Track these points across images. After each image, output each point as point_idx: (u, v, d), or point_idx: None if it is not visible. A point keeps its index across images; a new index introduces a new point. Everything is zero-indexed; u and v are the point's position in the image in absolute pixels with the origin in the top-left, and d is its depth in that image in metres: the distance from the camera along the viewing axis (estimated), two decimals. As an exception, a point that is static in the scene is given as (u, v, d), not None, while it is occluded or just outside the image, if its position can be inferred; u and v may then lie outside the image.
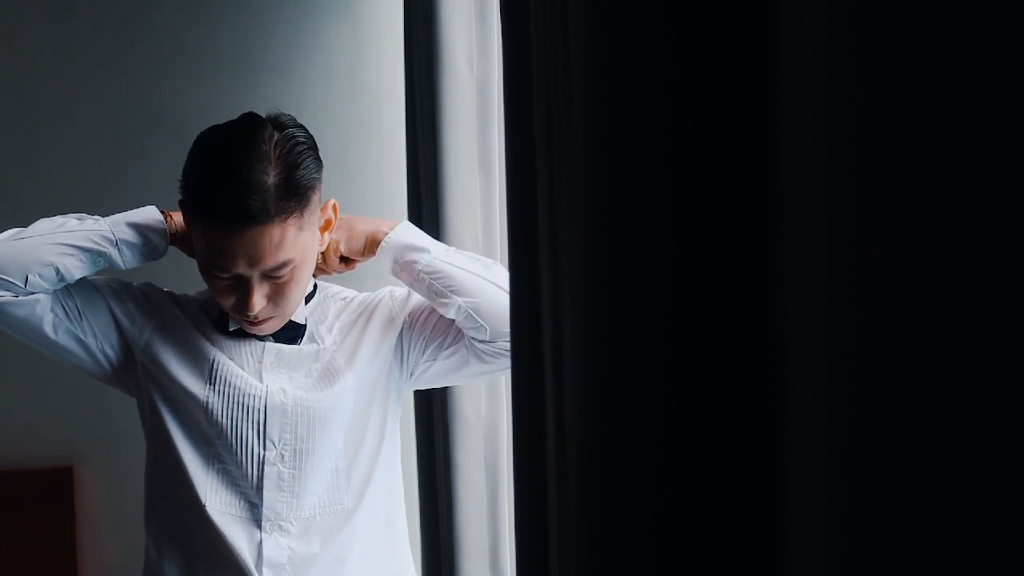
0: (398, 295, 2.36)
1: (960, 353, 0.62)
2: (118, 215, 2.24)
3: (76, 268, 2.18)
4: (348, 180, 3.70)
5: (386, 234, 2.28)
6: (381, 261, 2.30)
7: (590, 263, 0.87)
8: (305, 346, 2.28)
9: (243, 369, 2.25)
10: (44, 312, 2.20)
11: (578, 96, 0.88)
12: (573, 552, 1.03)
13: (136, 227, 2.22)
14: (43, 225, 2.20)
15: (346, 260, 2.33)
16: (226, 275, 2.12)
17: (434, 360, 2.32)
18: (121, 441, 3.49)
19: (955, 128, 0.60)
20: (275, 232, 2.07)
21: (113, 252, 2.19)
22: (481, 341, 2.23)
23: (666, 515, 0.91)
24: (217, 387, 2.22)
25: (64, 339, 2.24)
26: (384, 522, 2.33)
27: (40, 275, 2.15)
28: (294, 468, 2.22)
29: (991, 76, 0.58)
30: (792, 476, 0.75)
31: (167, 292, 2.35)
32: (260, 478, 2.20)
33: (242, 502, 2.21)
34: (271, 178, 2.06)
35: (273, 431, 2.21)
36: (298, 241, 2.12)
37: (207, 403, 2.21)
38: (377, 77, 3.73)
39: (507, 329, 2.17)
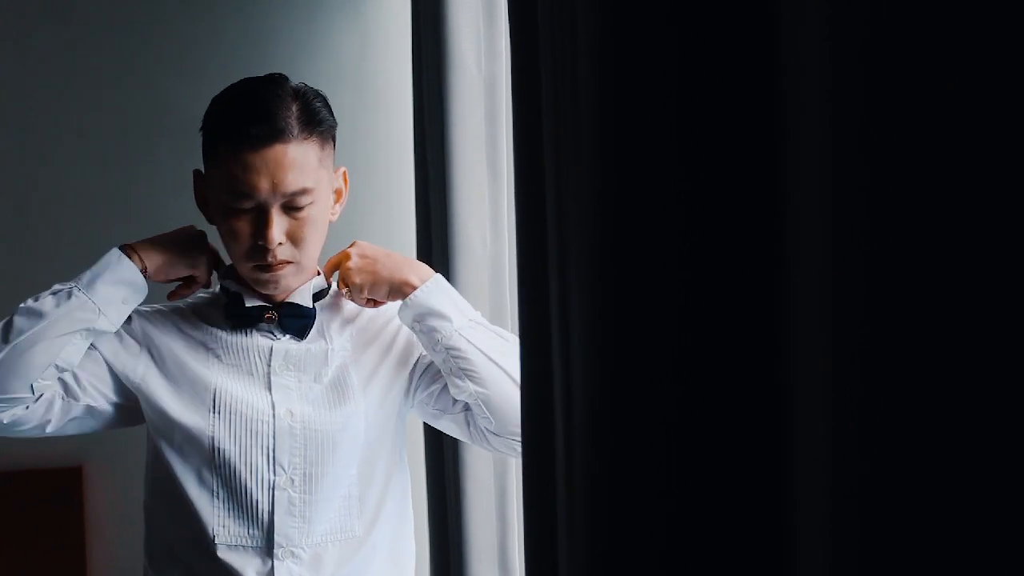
0: None
1: (966, 353, 0.62)
2: (87, 274, 2.19)
3: (73, 355, 2.16)
4: (356, 180, 3.70)
5: (414, 288, 2.24)
6: (400, 315, 2.27)
7: (597, 262, 0.87)
8: (313, 344, 2.27)
9: (251, 374, 2.23)
10: (53, 402, 2.19)
11: (585, 96, 0.88)
12: (582, 552, 1.03)
13: (110, 283, 2.18)
14: (23, 322, 2.14)
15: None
16: (248, 204, 2.14)
17: (442, 413, 2.30)
18: (130, 441, 3.49)
19: (961, 127, 0.60)
20: (297, 152, 2.13)
21: (100, 321, 2.16)
22: (487, 428, 2.24)
23: (674, 515, 0.91)
24: (222, 415, 2.19)
25: (77, 412, 2.22)
26: (393, 550, 2.31)
27: (43, 376, 2.14)
28: (304, 493, 2.19)
29: (997, 75, 0.58)
30: (799, 474, 0.75)
31: (154, 311, 2.32)
32: (271, 504, 2.17)
33: (252, 531, 2.17)
34: (294, 108, 2.15)
35: (282, 455, 2.18)
36: (318, 173, 2.18)
37: (213, 433, 2.18)
38: (385, 77, 3.73)
39: (514, 428, 2.20)
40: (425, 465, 3.21)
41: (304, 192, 2.15)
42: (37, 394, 2.15)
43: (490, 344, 2.21)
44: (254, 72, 3.73)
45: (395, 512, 2.30)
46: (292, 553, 2.19)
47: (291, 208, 2.15)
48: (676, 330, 0.86)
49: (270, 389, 2.22)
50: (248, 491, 2.17)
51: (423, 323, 2.22)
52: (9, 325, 2.15)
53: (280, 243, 2.16)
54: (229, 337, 2.26)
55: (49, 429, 2.22)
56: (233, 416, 2.18)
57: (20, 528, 3.73)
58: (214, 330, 2.27)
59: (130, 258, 2.22)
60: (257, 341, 2.25)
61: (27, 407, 2.16)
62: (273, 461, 2.18)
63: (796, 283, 0.75)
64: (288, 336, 2.26)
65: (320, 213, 2.20)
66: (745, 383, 0.83)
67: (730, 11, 0.79)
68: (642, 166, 0.84)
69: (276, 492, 2.17)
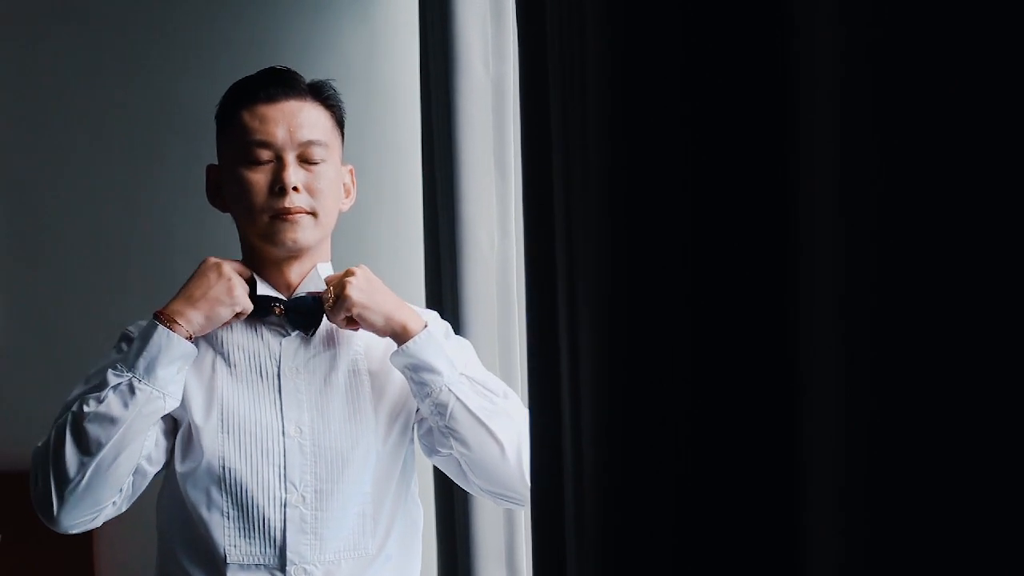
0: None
1: (973, 352, 0.62)
2: (141, 361, 2.10)
3: (151, 444, 2.15)
4: (363, 179, 3.70)
5: (411, 335, 2.20)
6: (392, 359, 2.24)
7: (606, 262, 0.87)
8: (321, 345, 2.25)
9: (261, 376, 2.22)
10: (127, 486, 2.17)
11: (593, 96, 0.88)
12: (590, 552, 1.03)
13: (166, 364, 2.12)
14: (98, 431, 2.07)
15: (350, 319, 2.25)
16: (265, 156, 2.19)
17: (432, 452, 2.30)
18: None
19: (968, 127, 0.60)
20: (312, 110, 2.25)
21: (167, 402, 2.13)
22: (474, 482, 2.26)
23: (682, 516, 0.91)
24: (231, 434, 2.17)
25: (147, 482, 2.22)
26: (401, 561, 2.30)
27: (129, 476, 2.13)
28: (316, 510, 2.17)
29: (1001, 77, 0.58)
30: (809, 482, 0.75)
31: None
32: (283, 521, 2.15)
33: (264, 549, 2.15)
34: (304, 83, 2.29)
35: (293, 473, 2.16)
36: (331, 138, 2.27)
37: (222, 453, 2.17)
38: (392, 77, 3.73)
39: (501, 488, 2.22)
40: (432, 465, 3.20)
41: (319, 144, 2.23)
42: (122, 492, 2.16)
43: (478, 402, 2.20)
44: (262, 72, 3.74)
45: (405, 525, 2.30)
46: (305, 570, 2.17)
47: (306, 161, 2.22)
48: (685, 333, 0.85)
49: (280, 394, 2.21)
50: (259, 509, 2.15)
51: (416, 374, 2.19)
52: (83, 436, 2.08)
53: (296, 188, 2.19)
54: (239, 338, 2.24)
55: (124, 507, 2.21)
56: (242, 435, 2.17)
57: (28, 527, 3.73)
58: (222, 336, 2.25)
59: (173, 329, 2.14)
60: (267, 341, 2.24)
61: (113, 503, 2.16)
62: (284, 479, 2.16)
63: (805, 284, 0.74)
64: (296, 333, 2.25)
65: (334, 176, 2.25)
66: (755, 384, 0.83)
67: (741, 13, 0.79)
68: (650, 167, 0.84)
69: (288, 509, 2.16)
